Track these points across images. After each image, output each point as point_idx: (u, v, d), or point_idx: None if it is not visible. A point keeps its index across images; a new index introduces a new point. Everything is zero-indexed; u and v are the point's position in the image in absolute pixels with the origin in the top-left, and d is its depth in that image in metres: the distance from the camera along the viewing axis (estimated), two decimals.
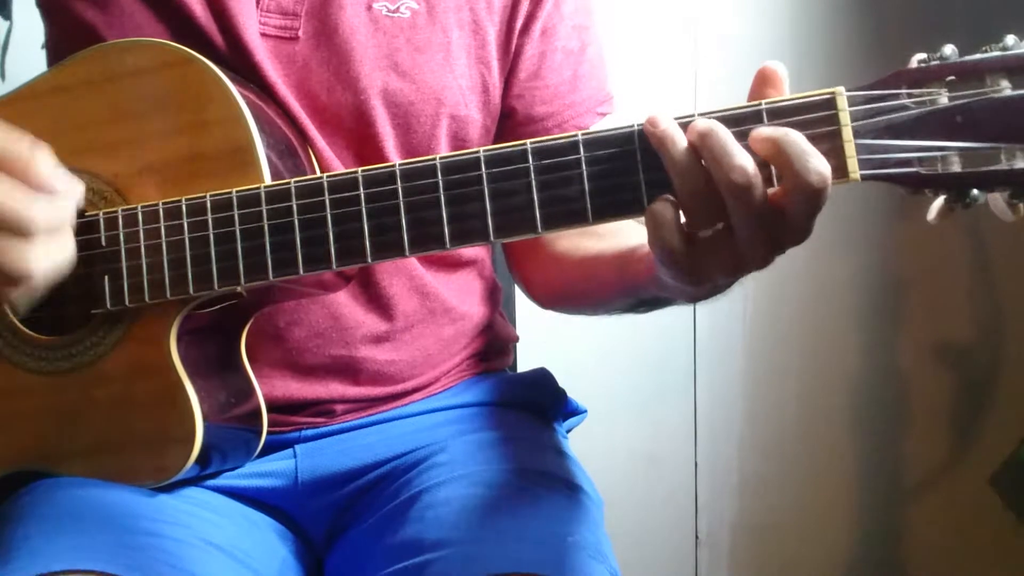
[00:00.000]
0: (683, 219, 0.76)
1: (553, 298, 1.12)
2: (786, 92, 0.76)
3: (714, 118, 0.75)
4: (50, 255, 0.79)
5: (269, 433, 0.97)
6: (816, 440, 2.13)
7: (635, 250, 0.91)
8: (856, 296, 2.12)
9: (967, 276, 2.07)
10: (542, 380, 1.15)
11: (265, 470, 1.00)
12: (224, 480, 0.98)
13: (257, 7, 0.96)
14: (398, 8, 0.98)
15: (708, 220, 0.75)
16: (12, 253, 0.78)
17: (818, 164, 0.72)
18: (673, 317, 2.07)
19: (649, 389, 2.11)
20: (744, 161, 0.73)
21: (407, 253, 0.81)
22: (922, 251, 2.03)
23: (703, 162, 0.74)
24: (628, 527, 2.05)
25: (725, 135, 0.74)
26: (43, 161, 0.80)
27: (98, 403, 0.90)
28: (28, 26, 1.67)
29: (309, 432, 1.02)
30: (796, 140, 0.72)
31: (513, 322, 1.26)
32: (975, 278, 2.07)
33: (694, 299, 0.87)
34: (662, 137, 0.75)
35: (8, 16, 1.74)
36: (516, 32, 1.02)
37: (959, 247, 2.05)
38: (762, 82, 0.77)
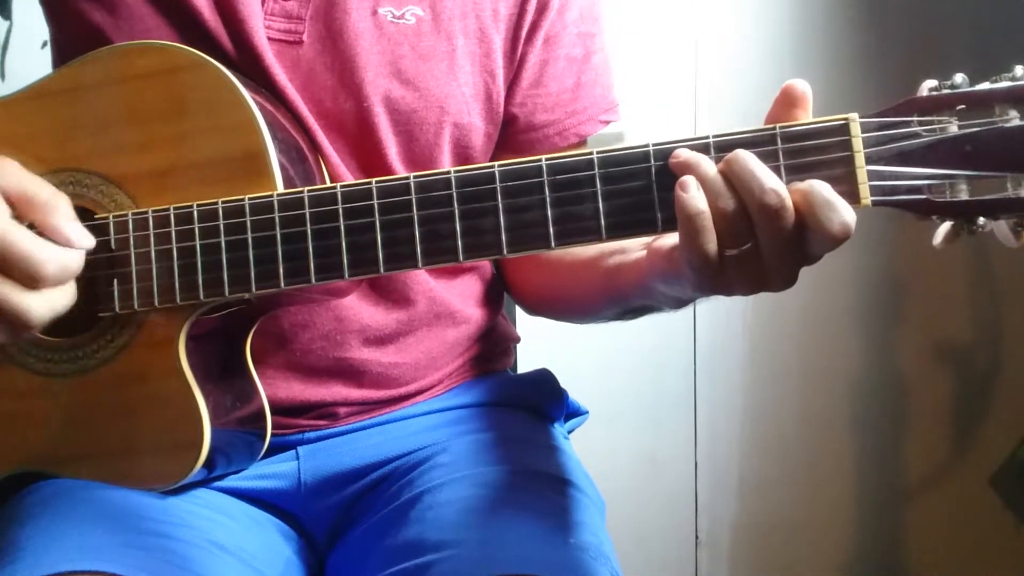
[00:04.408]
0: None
1: (542, 304, 1.12)
2: (810, 111, 0.77)
3: (728, 140, 0.76)
4: (52, 304, 0.81)
5: (272, 436, 0.97)
6: (816, 440, 2.13)
7: (627, 258, 0.92)
8: (856, 296, 2.12)
9: (967, 276, 2.08)
10: (543, 381, 1.15)
11: (268, 472, 1.00)
12: (228, 481, 0.98)
13: (262, 10, 0.95)
14: (403, 14, 0.98)
15: (737, 241, 0.76)
16: (16, 301, 0.79)
17: (843, 215, 0.73)
18: (674, 318, 2.07)
19: (650, 390, 2.11)
20: (776, 184, 0.74)
21: (420, 265, 0.81)
22: (922, 251, 2.02)
23: (733, 186, 0.75)
24: (629, 528, 2.06)
25: (753, 159, 0.75)
26: (64, 211, 0.81)
27: (104, 406, 0.90)
28: (28, 26, 1.68)
29: (312, 435, 1.02)
30: (820, 191, 0.74)
31: (514, 322, 1.26)
32: (975, 278, 2.08)
33: (681, 306, 0.89)
34: (687, 164, 0.76)
35: (8, 16, 1.75)
36: (521, 40, 1.02)
37: (959, 247, 2.03)
38: (788, 102, 0.77)
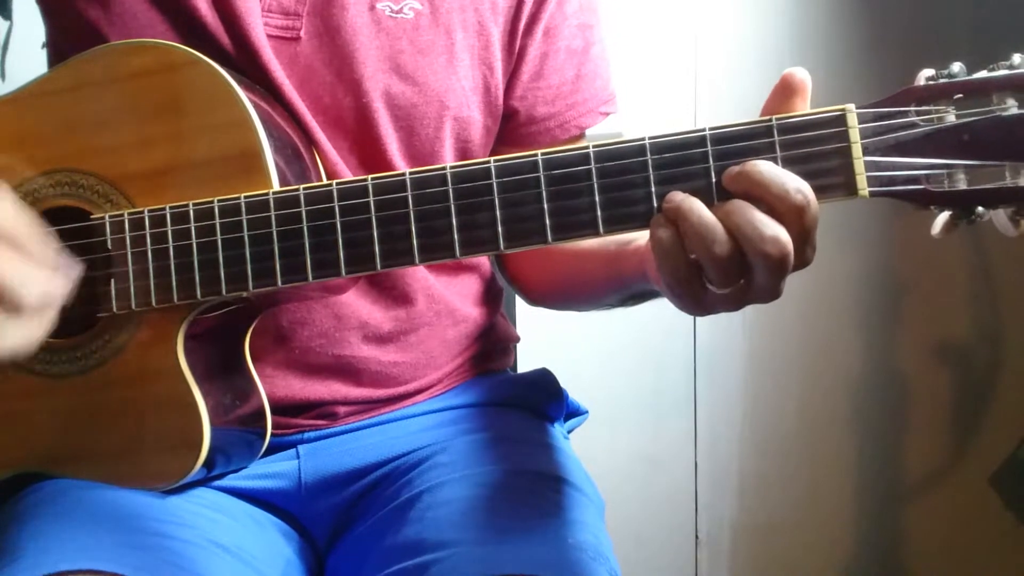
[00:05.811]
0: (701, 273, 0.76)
1: (544, 293, 1.12)
2: (809, 101, 0.76)
3: (724, 132, 0.75)
4: (28, 333, 0.77)
5: (272, 435, 0.97)
6: (816, 440, 2.13)
7: (628, 244, 0.92)
8: (856, 296, 2.12)
9: (967, 276, 2.08)
10: (543, 380, 1.15)
11: (268, 471, 1.00)
12: (228, 481, 0.98)
13: (260, 6, 0.95)
14: (401, 9, 0.97)
15: (731, 282, 0.75)
16: None
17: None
18: (674, 318, 2.07)
19: (650, 390, 2.11)
20: (776, 230, 0.72)
21: (417, 261, 0.81)
22: (922, 251, 2.04)
23: (732, 235, 0.73)
24: (629, 527, 2.06)
25: (749, 208, 0.73)
26: (52, 245, 0.78)
27: (103, 407, 0.89)
28: (28, 26, 1.67)
29: (311, 434, 1.02)
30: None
31: (514, 322, 1.26)
32: (975, 278, 2.08)
33: None
34: (679, 210, 0.74)
35: (8, 16, 1.75)
36: (520, 33, 1.02)
37: (959, 247, 2.05)
38: (787, 92, 0.76)
